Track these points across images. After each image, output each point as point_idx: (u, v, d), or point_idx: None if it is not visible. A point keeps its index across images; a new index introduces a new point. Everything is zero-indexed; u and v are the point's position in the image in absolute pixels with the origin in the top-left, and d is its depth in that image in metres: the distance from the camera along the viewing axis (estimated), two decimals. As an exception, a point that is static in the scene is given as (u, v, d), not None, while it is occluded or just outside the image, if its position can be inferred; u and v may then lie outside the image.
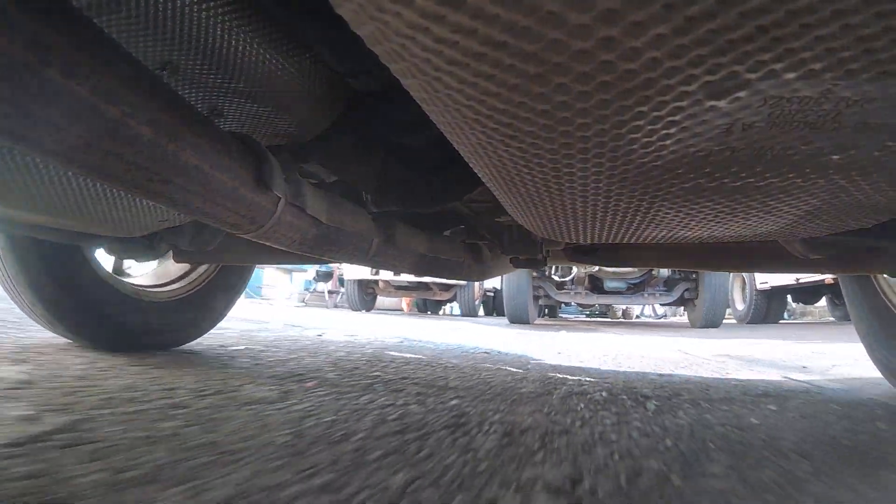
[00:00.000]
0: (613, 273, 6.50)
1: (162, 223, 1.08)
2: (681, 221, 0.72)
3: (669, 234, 0.82)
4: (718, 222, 0.73)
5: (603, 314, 12.12)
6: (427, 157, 1.05)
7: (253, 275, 2.43)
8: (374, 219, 1.07)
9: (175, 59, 0.68)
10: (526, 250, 1.40)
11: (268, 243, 0.81)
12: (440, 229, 1.50)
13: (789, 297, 8.81)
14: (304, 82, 0.82)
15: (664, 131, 0.44)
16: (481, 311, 10.07)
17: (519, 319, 6.33)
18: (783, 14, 0.31)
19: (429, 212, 1.27)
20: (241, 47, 0.70)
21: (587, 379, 1.86)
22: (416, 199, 1.08)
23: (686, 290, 6.48)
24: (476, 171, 0.64)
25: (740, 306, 8.72)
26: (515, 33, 0.33)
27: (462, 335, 4.03)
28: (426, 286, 8.52)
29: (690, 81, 0.37)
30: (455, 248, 1.43)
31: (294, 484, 0.70)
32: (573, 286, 6.76)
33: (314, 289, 13.02)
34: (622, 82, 0.38)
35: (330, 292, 11.89)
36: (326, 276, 11.62)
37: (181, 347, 2.06)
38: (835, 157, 0.50)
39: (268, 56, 0.74)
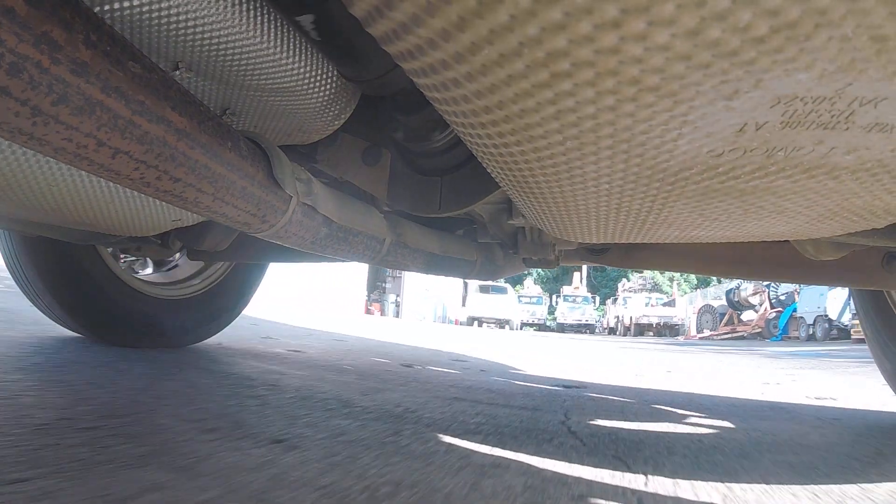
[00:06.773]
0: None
1: (175, 223, 1.08)
2: (693, 221, 0.72)
3: (682, 235, 0.82)
4: (731, 222, 0.72)
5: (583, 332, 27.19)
6: (437, 162, 1.04)
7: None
8: (386, 218, 1.06)
9: (187, 59, 0.68)
10: (539, 251, 1.38)
11: (280, 242, 0.81)
12: (452, 229, 1.49)
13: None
14: (315, 84, 0.81)
15: (677, 131, 0.44)
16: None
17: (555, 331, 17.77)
18: (798, 14, 0.31)
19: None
20: (252, 48, 0.70)
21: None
22: (426, 204, 1.07)
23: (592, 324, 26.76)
24: (491, 172, 0.63)
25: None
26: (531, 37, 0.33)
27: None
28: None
29: (703, 81, 0.37)
30: (467, 247, 1.42)
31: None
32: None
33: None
34: (634, 83, 0.37)
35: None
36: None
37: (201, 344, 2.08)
38: (847, 157, 0.49)
39: (279, 57, 0.74)
